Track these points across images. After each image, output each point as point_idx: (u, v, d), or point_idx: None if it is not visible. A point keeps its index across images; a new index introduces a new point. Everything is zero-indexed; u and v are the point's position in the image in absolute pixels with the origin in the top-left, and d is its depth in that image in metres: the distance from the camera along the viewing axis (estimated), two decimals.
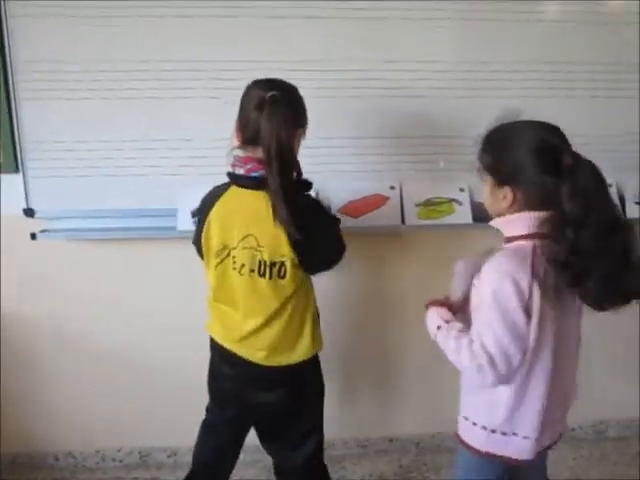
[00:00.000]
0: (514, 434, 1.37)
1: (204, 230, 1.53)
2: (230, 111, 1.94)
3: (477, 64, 2.04)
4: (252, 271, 1.49)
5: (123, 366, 2.24)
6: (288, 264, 1.47)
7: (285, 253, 1.46)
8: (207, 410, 1.79)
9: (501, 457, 1.39)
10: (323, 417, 1.76)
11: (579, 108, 2.06)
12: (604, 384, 2.44)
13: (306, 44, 1.97)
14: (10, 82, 1.91)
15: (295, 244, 1.44)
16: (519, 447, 1.38)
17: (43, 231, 2.02)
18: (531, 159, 1.26)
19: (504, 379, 1.28)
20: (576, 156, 1.25)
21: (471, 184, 2.09)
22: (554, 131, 1.29)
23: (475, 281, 1.37)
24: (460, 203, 2.09)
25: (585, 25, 2.05)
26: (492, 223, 1.38)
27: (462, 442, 1.45)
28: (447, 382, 2.29)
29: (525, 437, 1.37)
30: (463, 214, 2.09)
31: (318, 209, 1.55)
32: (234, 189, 1.49)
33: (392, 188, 2.08)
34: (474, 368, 1.26)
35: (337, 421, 2.39)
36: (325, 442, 2.38)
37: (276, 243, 1.45)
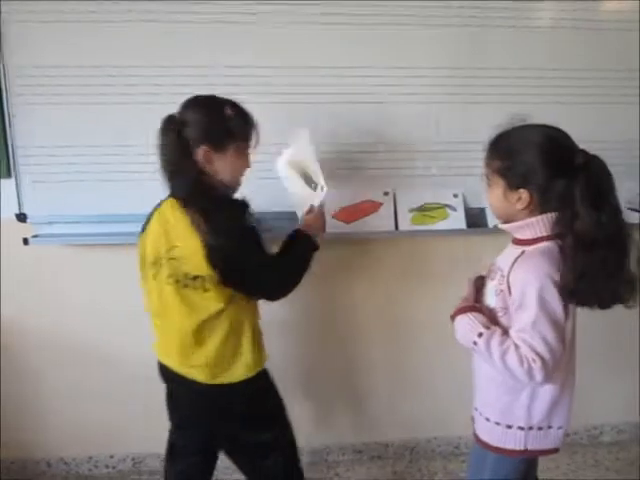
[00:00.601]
0: (549, 427, 1.42)
1: (140, 242, 1.56)
2: None
3: (472, 70, 2.04)
4: (177, 282, 1.49)
5: (116, 372, 2.23)
6: (207, 279, 1.45)
7: (203, 268, 1.44)
8: (169, 433, 1.78)
9: (539, 452, 1.44)
10: (287, 432, 1.73)
11: (572, 114, 2.05)
12: (598, 389, 2.45)
13: (311, 49, 1.98)
14: (3, 87, 1.90)
15: (211, 261, 1.43)
16: (555, 438, 1.43)
17: (35, 236, 2.01)
18: (545, 160, 1.28)
19: (550, 376, 1.30)
20: (586, 154, 1.29)
21: (465, 190, 2.10)
22: (561, 132, 1.32)
23: (491, 282, 1.41)
24: (454, 209, 2.09)
25: (584, 30, 2.05)
26: (505, 227, 1.40)
27: (494, 448, 1.45)
28: (442, 386, 2.32)
29: (559, 427, 1.43)
30: (457, 220, 2.09)
31: (241, 236, 1.48)
32: (169, 201, 1.51)
33: (386, 194, 2.08)
34: (524, 371, 1.27)
35: (333, 427, 2.39)
36: (320, 448, 2.40)
37: (196, 256, 1.44)
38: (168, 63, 1.93)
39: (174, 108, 1.92)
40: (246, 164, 1.57)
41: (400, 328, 2.31)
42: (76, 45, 1.90)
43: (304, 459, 2.37)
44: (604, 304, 1.31)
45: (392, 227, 2.07)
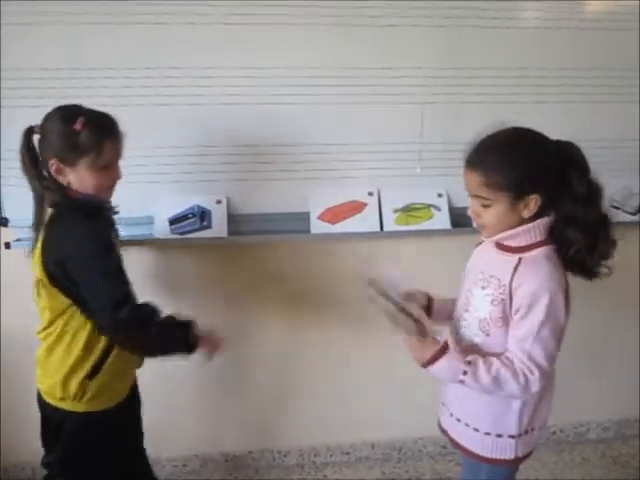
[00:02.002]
0: (532, 429, 1.42)
1: None
2: (208, 125, 1.96)
3: (457, 70, 2.03)
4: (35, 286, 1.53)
5: None
6: (42, 283, 1.47)
7: (39, 269, 1.46)
8: None
9: (525, 456, 1.45)
10: None
11: (563, 113, 2.07)
12: (584, 386, 2.46)
13: (295, 48, 1.96)
14: None
15: (43, 262, 1.44)
16: (536, 439, 1.44)
17: (17, 240, 1.98)
18: (542, 158, 1.27)
19: (545, 384, 1.30)
20: (563, 141, 1.31)
21: (449, 189, 2.11)
22: (532, 129, 1.32)
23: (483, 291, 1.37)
24: (438, 209, 2.09)
25: (575, 30, 2.05)
26: (499, 237, 1.34)
27: (485, 459, 1.43)
28: (428, 385, 2.31)
29: (541, 428, 1.44)
30: (442, 219, 2.09)
31: (78, 244, 1.43)
32: None
33: (370, 194, 2.08)
34: (520, 386, 1.26)
35: (320, 428, 2.39)
36: (308, 449, 2.39)
37: (37, 257, 1.46)
38: (161, 65, 1.90)
39: (169, 110, 1.94)
40: (111, 177, 1.52)
41: (381, 330, 2.30)
42: (66, 47, 1.86)
43: (292, 461, 2.39)
44: (597, 270, 1.33)
45: (377, 228, 2.07)
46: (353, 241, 2.13)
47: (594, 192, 1.29)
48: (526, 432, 1.41)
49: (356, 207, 2.07)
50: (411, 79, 2.02)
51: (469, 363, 1.28)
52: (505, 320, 1.33)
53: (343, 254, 2.17)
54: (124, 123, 1.92)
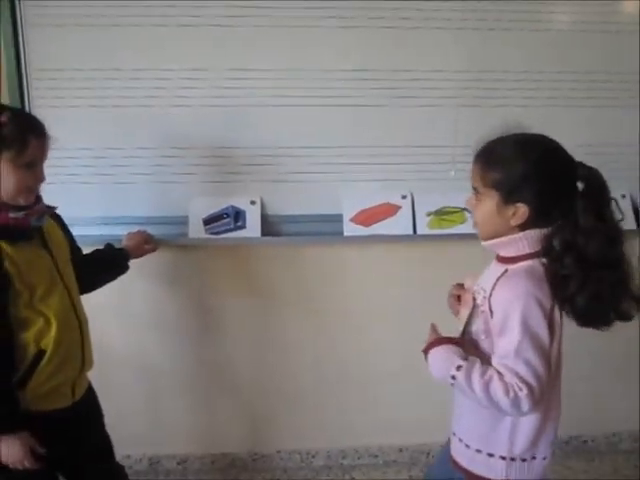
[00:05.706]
0: (533, 458, 1.32)
1: None
2: (243, 127, 1.98)
3: (492, 74, 2.04)
4: None
5: (131, 373, 2.24)
6: None
7: None
8: None
9: None
10: None
11: (587, 117, 2.04)
12: (617, 395, 2.42)
13: (326, 52, 1.99)
14: (25, 90, 1.92)
15: None
16: (538, 469, 1.33)
17: None
18: (546, 172, 1.21)
19: (537, 405, 1.22)
20: (585, 166, 1.23)
21: None
22: (559, 143, 1.25)
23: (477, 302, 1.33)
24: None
25: (588, 33, 2.04)
26: (488, 244, 1.30)
27: (476, 477, 1.36)
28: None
29: (544, 458, 1.33)
30: None
31: None
32: None
33: (403, 197, 2.08)
34: (509, 402, 1.18)
35: (349, 430, 2.39)
36: (336, 451, 2.39)
37: None
38: (187, 67, 1.95)
39: (206, 112, 1.97)
40: (34, 177, 1.43)
41: (412, 332, 2.29)
42: (94, 48, 1.91)
43: (319, 462, 2.40)
44: (609, 323, 1.24)
45: (410, 231, 2.07)
46: (385, 244, 2.13)
47: (606, 229, 1.20)
48: (524, 460, 1.32)
49: (389, 210, 2.07)
50: (446, 82, 2.03)
51: (466, 359, 1.22)
52: (488, 333, 1.27)
53: (374, 256, 2.18)
54: (161, 123, 1.98)
